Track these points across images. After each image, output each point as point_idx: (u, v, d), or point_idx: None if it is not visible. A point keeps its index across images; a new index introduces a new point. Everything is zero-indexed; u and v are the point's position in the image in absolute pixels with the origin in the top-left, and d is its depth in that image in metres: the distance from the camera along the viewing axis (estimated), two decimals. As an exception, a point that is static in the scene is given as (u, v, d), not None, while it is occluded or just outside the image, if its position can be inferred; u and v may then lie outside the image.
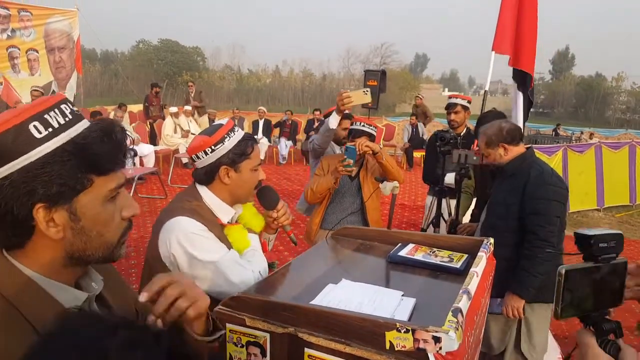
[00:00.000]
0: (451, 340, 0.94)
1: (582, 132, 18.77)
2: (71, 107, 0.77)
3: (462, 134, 3.60)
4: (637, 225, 8.18)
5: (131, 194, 6.43)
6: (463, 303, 1.08)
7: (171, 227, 1.46)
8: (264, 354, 1.14)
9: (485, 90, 3.59)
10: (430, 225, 3.26)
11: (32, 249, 0.76)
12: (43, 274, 0.77)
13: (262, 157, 10.87)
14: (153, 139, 9.57)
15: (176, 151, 9.11)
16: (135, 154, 7.70)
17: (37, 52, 9.97)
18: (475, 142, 3.31)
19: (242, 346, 1.16)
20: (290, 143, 11.31)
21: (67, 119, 0.75)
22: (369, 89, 2.51)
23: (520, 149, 2.37)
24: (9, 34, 9.36)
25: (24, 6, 9.68)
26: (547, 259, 2.15)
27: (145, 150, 8.18)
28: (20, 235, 0.75)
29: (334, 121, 2.56)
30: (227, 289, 1.40)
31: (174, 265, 1.46)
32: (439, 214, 3.13)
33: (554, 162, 7.89)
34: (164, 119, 10.05)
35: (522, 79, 3.85)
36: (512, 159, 2.35)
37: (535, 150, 7.20)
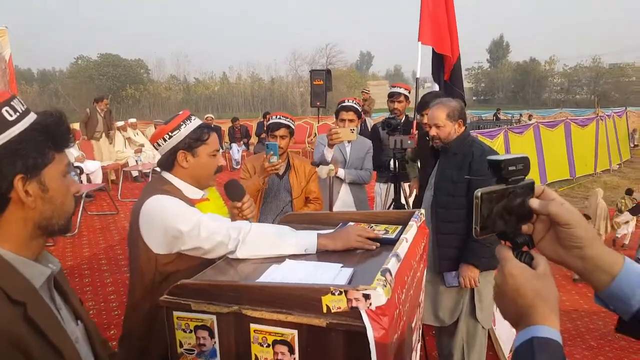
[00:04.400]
0: (379, 296, 1.03)
1: (521, 115, 19.78)
2: (21, 101, 0.91)
3: (401, 121, 3.75)
4: (578, 197, 8.66)
5: (80, 212, 6.23)
6: (392, 264, 1.18)
7: (148, 208, 1.51)
8: (212, 336, 1.19)
9: (417, 78, 3.77)
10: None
11: (3, 222, 0.86)
12: (11, 250, 0.87)
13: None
14: (99, 156, 9.26)
15: (125, 165, 8.88)
16: (82, 172, 7.43)
17: (-32, 74, 9.37)
18: (414, 126, 3.47)
19: (191, 331, 1.20)
20: (242, 147, 11.29)
21: (24, 108, 0.89)
22: (355, 128, 2.88)
23: (463, 129, 2.51)
24: None
25: (-51, 27, 9.13)
26: None
27: (92, 167, 7.88)
28: None
29: (328, 154, 2.87)
30: (210, 240, 1.45)
31: (159, 241, 1.50)
32: (398, 197, 3.24)
33: (496, 144, 8.25)
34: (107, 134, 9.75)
35: (440, 68, 4.03)
36: (455, 137, 2.47)
37: (478, 135, 7.49)
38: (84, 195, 6.31)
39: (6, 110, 0.85)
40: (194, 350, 1.21)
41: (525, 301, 0.69)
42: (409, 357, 1.42)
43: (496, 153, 2.49)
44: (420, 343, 1.70)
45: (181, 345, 1.22)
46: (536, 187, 0.78)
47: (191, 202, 1.60)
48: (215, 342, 1.19)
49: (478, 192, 0.73)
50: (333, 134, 2.73)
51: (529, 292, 0.69)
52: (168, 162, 1.66)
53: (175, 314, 1.21)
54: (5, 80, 9.39)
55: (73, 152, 7.80)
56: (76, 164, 7.45)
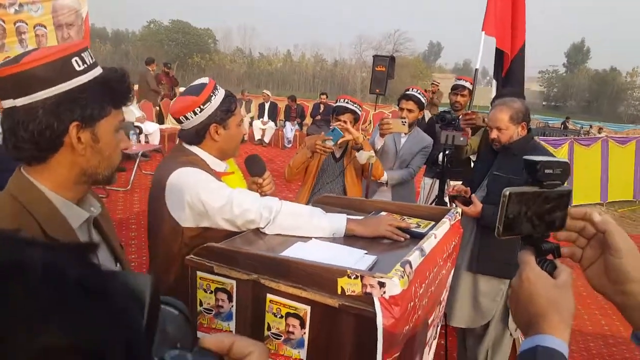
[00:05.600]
0: (394, 286, 1.03)
1: (590, 126, 18.62)
2: (91, 54, 0.94)
3: (459, 117, 3.63)
4: (639, 220, 8.15)
5: (134, 170, 6.57)
6: (414, 257, 1.17)
7: (176, 180, 1.45)
8: (230, 300, 1.24)
9: (476, 69, 3.59)
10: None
11: (52, 163, 0.92)
12: (53, 190, 0.93)
13: (267, 140, 10.99)
14: (161, 118, 9.69)
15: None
16: (141, 132, 7.80)
17: (45, 27, 10.00)
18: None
19: (211, 292, 1.26)
20: (296, 127, 11.38)
21: (92, 61, 0.93)
22: (406, 119, 2.80)
23: (525, 132, 2.41)
24: (17, 8, 9.41)
25: (33, -19, 9.80)
26: None
27: (150, 128, 8.26)
28: (48, 150, 0.90)
29: (378, 143, 2.84)
30: (243, 217, 1.42)
31: (187, 215, 1.45)
32: (441, 194, 3.15)
33: (560, 154, 7.80)
34: (171, 98, 10.16)
35: (500, 64, 3.82)
36: (518, 139, 2.37)
37: (541, 142, 7.12)
38: (139, 154, 6.63)
39: (75, 61, 0.90)
40: (212, 311, 1.27)
41: (538, 309, 0.67)
42: (420, 351, 1.41)
43: (553, 156, 2.37)
44: (435, 340, 1.68)
45: (201, 304, 1.28)
46: (581, 209, 0.75)
47: (217, 176, 1.55)
48: (232, 306, 1.24)
49: (506, 191, 0.70)
50: (384, 124, 2.69)
51: (543, 300, 0.68)
52: (198, 136, 1.57)
53: (199, 274, 1.26)
54: (80, 36, 9.92)
55: (135, 112, 8.20)
56: (136, 123, 7.83)
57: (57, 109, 0.87)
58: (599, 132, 15.02)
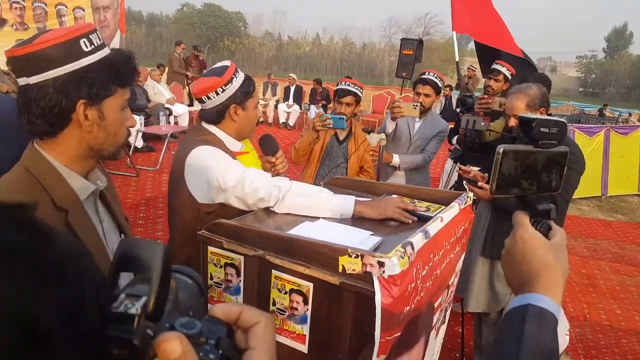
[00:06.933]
0: (394, 266, 1.04)
1: (630, 114, 17.78)
2: (99, 35, 0.99)
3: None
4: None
5: (163, 150, 6.73)
6: (416, 239, 1.18)
7: (194, 158, 1.54)
8: (238, 275, 1.28)
9: (456, 62, 3.55)
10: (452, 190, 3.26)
11: (62, 138, 0.98)
12: (63, 163, 0.99)
13: (292, 123, 11.03)
14: (191, 100, 9.88)
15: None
16: (170, 113, 7.97)
17: (83, 10, 10.26)
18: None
19: (221, 267, 1.31)
20: (320, 110, 11.37)
21: (100, 42, 0.99)
22: (418, 104, 2.77)
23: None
24: (58, -10, 9.64)
25: (71, -35, 10.03)
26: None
27: (180, 110, 8.44)
28: (58, 125, 0.96)
29: (390, 126, 2.92)
30: (253, 195, 1.47)
31: (203, 191, 1.54)
32: (460, 180, 3.12)
33: (595, 143, 7.51)
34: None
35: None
36: None
37: (575, 129, 6.80)
38: (169, 135, 6.78)
39: (83, 42, 0.95)
40: (222, 285, 1.32)
41: (531, 269, 0.67)
42: (426, 334, 1.43)
43: (579, 149, 2.31)
44: (444, 325, 1.69)
45: (211, 278, 1.33)
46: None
47: (232, 155, 1.62)
48: (240, 281, 1.28)
49: (500, 148, 0.70)
50: (395, 107, 2.67)
51: (536, 260, 0.67)
52: (218, 116, 1.64)
53: (210, 248, 1.31)
54: (115, 19, 10.14)
55: (165, 94, 8.37)
56: (166, 105, 7.99)
57: (65, 87, 0.92)
58: (639, 121, 14.35)
